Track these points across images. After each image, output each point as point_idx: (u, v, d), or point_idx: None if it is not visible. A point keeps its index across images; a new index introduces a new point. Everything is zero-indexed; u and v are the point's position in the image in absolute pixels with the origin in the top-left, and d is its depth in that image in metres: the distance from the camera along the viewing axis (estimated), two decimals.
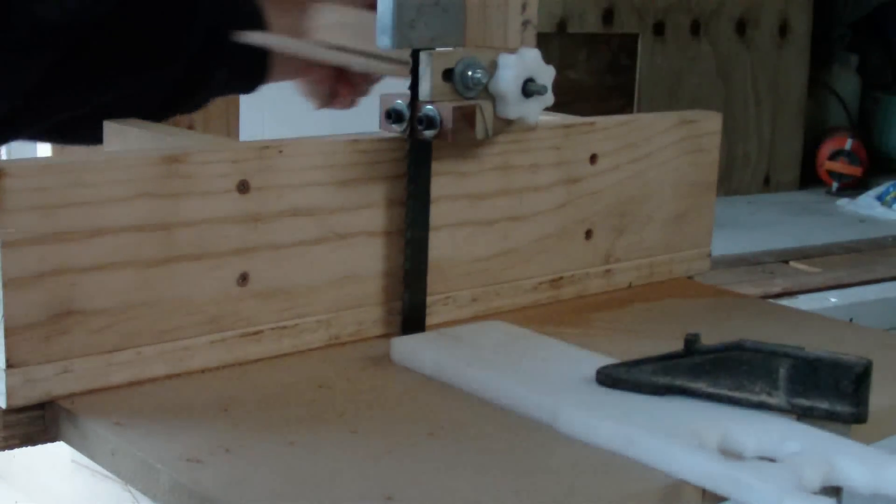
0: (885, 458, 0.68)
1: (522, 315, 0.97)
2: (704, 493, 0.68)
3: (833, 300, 1.93)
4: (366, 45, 0.97)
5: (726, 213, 2.50)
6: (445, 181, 0.93)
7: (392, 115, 0.89)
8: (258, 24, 0.99)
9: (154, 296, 0.79)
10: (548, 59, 0.91)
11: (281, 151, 0.83)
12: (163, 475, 0.67)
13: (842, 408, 0.72)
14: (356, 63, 0.99)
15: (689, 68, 2.80)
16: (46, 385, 0.75)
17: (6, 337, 0.73)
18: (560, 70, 0.94)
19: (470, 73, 0.88)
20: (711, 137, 1.12)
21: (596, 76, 2.71)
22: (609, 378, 0.78)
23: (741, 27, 2.86)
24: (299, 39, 1.00)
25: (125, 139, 0.92)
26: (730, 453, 0.71)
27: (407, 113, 0.88)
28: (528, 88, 0.90)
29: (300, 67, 1.05)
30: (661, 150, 1.08)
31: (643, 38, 2.73)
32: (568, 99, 2.38)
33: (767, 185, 2.96)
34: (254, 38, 0.98)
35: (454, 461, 0.69)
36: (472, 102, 0.89)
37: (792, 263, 2.16)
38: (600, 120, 1.04)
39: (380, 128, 0.90)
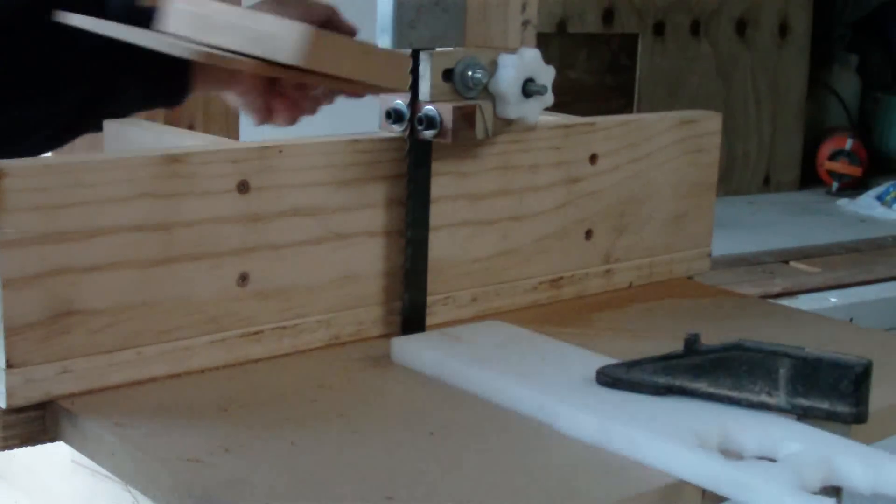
0: (885, 458, 0.68)
1: (522, 315, 0.97)
2: (704, 493, 0.68)
3: (833, 300, 1.93)
4: (216, 38, 0.93)
5: (726, 213, 2.50)
6: (445, 181, 0.93)
7: (392, 115, 0.89)
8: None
9: (154, 296, 0.79)
10: (548, 59, 0.91)
11: (281, 151, 0.83)
12: (163, 475, 0.67)
13: (842, 408, 0.72)
14: (202, 56, 0.93)
15: (689, 68, 2.80)
16: (46, 385, 0.75)
17: (6, 337, 0.73)
18: (560, 70, 0.94)
19: (470, 73, 0.88)
20: (711, 137, 1.12)
21: (596, 76, 2.71)
22: (609, 378, 0.78)
23: (741, 27, 2.85)
24: (141, 29, 0.95)
25: (125, 139, 0.92)
26: (730, 453, 0.71)
27: (407, 113, 0.88)
28: (528, 88, 0.90)
29: (224, 78, 1.03)
30: (661, 150, 1.08)
31: (643, 38, 2.73)
32: (568, 99, 2.38)
33: (767, 185, 2.95)
34: (77, 20, 0.92)
35: (454, 461, 0.69)
36: (472, 102, 0.89)
37: (792, 263, 2.16)
38: (600, 120, 1.04)
39: (380, 128, 0.90)
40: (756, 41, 2.88)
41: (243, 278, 0.83)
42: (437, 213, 0.92)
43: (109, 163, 0.76)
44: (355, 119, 1.09)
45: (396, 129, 0.89)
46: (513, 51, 0.90)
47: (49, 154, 1.12)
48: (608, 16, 2.68)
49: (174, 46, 0.89)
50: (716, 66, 2.84)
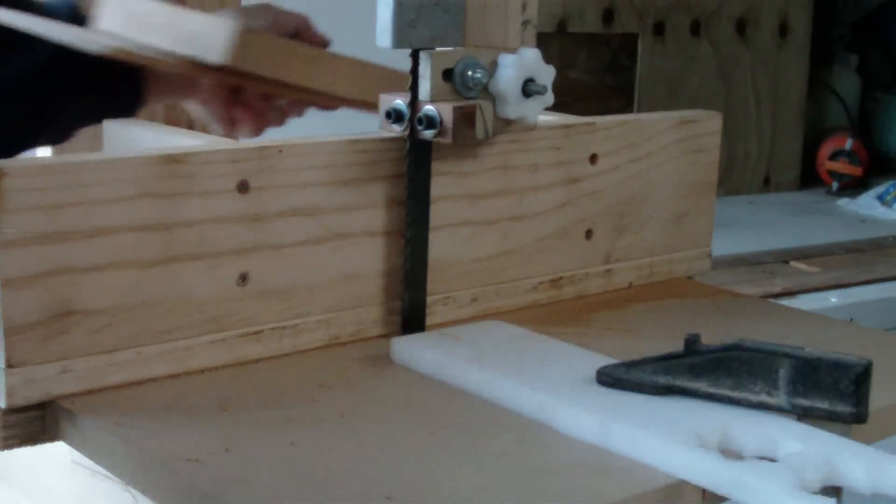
0: (885, 458, 0.68)
1: (522, 315, 0.97)
2: (704, 493, 0.68)
3: (833, 300, 1.93)
4: (149, 37, 0.90)
5: (726, 213, 2.50)
6: (445, 181, 0.93)
7: (392, 115, 0.89)
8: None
9: (154, 296, 0.79)
10: (548, 58, 0.91)
11: (281, 151, 0.83)
12: (163, 475, 0.67)
13: (842, 408, 0.72)
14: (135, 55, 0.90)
15: (689, 68, 2.80)
16: (46, 385, 0.75)
17: (6, 337, 0.73)
18: (560, 70, 0.94)
19: (470, 72, 0.88)
20: (711, 137, 1.12)
21: (596, 76, 2.71)
22: (609, 378, 0.78)
23: (741, 27, 2.85)
24: (65, 25, 0.92)
25: (125, 139, 0.92)
26: (730, 453, 0.71)
27: (407, 113, 0.88)
28: (528, 88, 0.90)
29: (181, 87, 1.01)
30: (662, 150, 1.08)
31: (643, 38, 2.73)
32: (568, 99, 2.38)
33: (767, 185, 2.95)
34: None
35: (454, 461, 0.69)
36: (472, 102, 0.89)
37: (792, 263, 2.16)
38: (600, 120, 1.04)
39: (380, 128, 0.90)
40: (756, 41, 2.88)
41: (243, 278, 0.83)
42: (437, 213, 0.92)
43: (109, 163, 0.76)
44: (355, 119, 1.09)
45: (396, 129, 0.89)
46: (513, 51, 0.90)
47: (48, 154, 1.12)
48: (608, 16, 2.68)
49: (87, 41, 0.86)
50: (716, 66, 2.84)
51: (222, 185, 0.81)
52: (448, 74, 0.88)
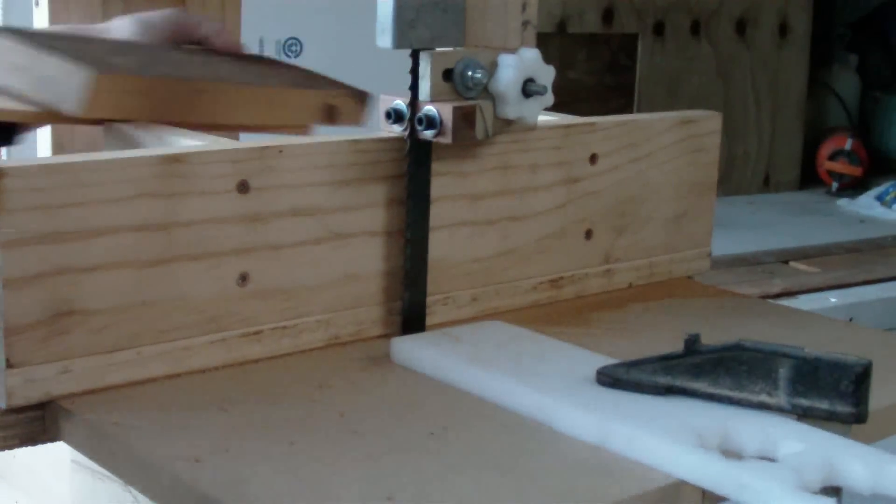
0: (885, 458, 0.68)
1: (522, 315, 0.97)
2: (704, 493, 0.68)
3: (833, 300, 1.93)
4: (9, 79, 0.87)
5: (726, 213, 2.50)
6: (445, 181, 0.93)
7: (392, 115, 0.89)
8: None
9: (154, 296, 0.79)
10: (547, 59, 0.91)
11: (281, 151, 0.83)
12: (163, 475, 0.67)
13: (842, 408, 0.72)
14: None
15: (689, 68, 2.80)
16: (46, 385, 0.75)
17: (6, 337, 0.73)
18: (560, 70, 0.94)
19: (470, 73, 0.88)
20: (711, 137, 1.12)
21: (596, 76, 2.72)
22: (609, 378, 0.78)
23: (741, 27, 2.86)
24: None
25: (125, 139, 0.92)
26: (730, 453, 0.71)
27: (407, 113, 0.88)
28: (528, 88, 0.90)
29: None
30: (661, 150, 1.08)
31: (643, 38, 2.73)
32: (568, 99, 2.38)
33: (767, 185, 2.96)
34: None
35: (454, 461, 0.69)
36: (471, 102, 0.89)
37: (792, 263, 2.16)
38: (600, 120, 1.04)
39: (380, 128, 0.90)
40: (756, 41, 2.88)
41: (243, 278, 0.83)
42: (436, 213, 0.92)
43: (109, 163, 0.76)
44: None
45: (396, 129, 0.89)
46: (513, 51, 0.90)
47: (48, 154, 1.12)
48: (608, 16, 2.68)
49: None
50: (715, 66, 2.84)
51: (222, 185, 0.81)
52: (448, 74, 0.88)
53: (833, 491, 0.67)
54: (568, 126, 1.01)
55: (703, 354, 0.76)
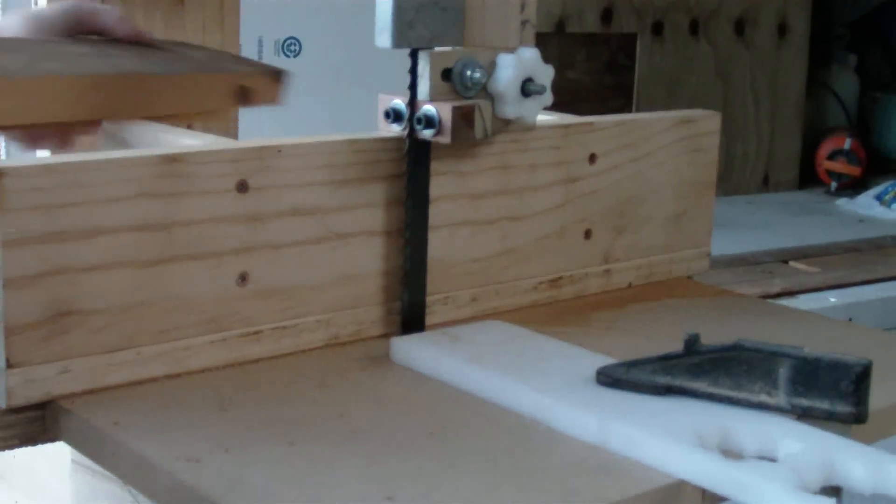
0: (885, 458, 0.68)
1: (522, 315, 0.97)
2: (704, 493, 0.68)
3: (833, 300, 1.93)
4: None
5: (726, 213, 2.50)
6: (444, 181, 0.93)
7: (391, 115, 0.89)
8: None
9: (154, 296, 0.79)
10: (547, 58, 0.91)
11: (280, 151, 0.83)
12: (162, 475, 0.67)
13: (842, 408, 0.72)
14: None
15: (689, 68, 2.80)
16: (46, 385, 0.75)
17: (6, 337, 0.73)
18: (559, 70, 0.94)
19: (469, 72, 0.88)
20: (710, 137, 1.12)
21: (595, 76, 2.72)
22: (609, 378, 0.78)
23: (740, 27, 2.86)
24: None
25: (125, 139, 0.92)
26: (730, 453, 0.71)
27: (406, 112, 0.88)
28: (527, 88, 0.90)
29: None
30: (660, 149, 1.08)
31: (642, 38, 2.73)
32: (567, 99, 2.38)
33: (767, 184, 2.96)
34: None
35: (454, 461, 0.69)
36: (470, 102, 0.89)
37: (791, 263, 2.16)
38: (599, 120, 1.04)
39: (379, 128, 0.90)
40: (755, 41, 2.88)
41: (243, 278, 0.83)
42: (436, 213, 0.92)
43: (109, 163, 0.76)
44: (355, 119, 1.09)
45: (395, 129, 0.89)
46: (512, 50, 0.90)
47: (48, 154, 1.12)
48: (607, 15, 2.68)
49: None
50: (715, 66, 2.84)
51: (222, 185, 0.81)
52: (447, 74, 0.88)
53: (833, 491, 0.67)
54: (567, 126, 1.01)
55: (703, 354, 0.76)
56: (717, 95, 2.82)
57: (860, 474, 0.67)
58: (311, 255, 0.86)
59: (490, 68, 0.89)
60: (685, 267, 1.13)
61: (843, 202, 2.82)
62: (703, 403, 0.75)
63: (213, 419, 0.74)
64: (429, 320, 0.92)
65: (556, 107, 0.98)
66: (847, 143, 2.93)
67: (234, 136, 1.38)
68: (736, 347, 0.75)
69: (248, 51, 2.17)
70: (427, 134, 0.88)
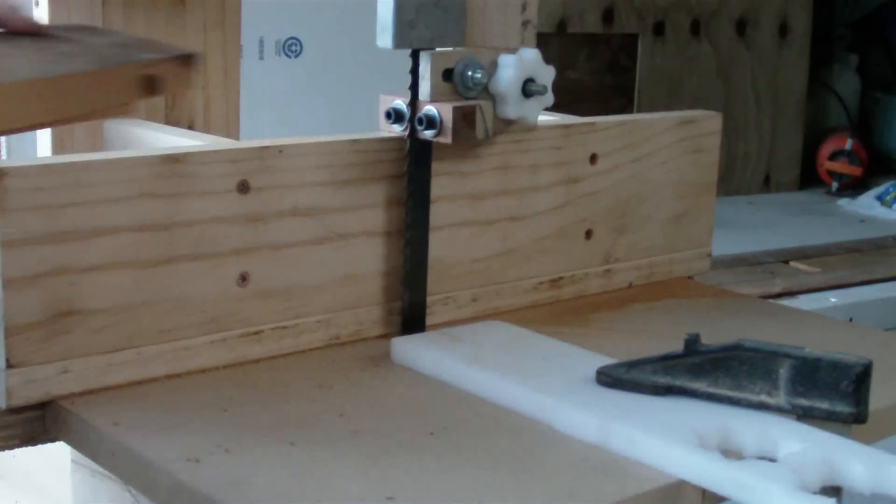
0: (885, 458, 0.68)
1: (522, 315, 0.97)
2: (704, 493, 0.68)
3: (833, 300, 1.93)
4: None
5: (726, 213, 2.50)
6: (445, 181, 0.93)
7: (392, 115, 0.89)
8: None
9: (154, 296, 0.79)
10: (548, 59, 0.91)
11: (281, 151, 0.83)
12: (162, 475, 0.67)
13: (842, 408, 0.72)
14: None
15: (689, 68, 2.80)
16: (46, 385, 0.75)
17: (6, 337, 0.73)
18: (560, 70, 0.94)
19: (470, 73, 0.88)
20: (711, 137, 1.12)
21: (596, 76, 2.72)
22: (609, 378, 0.78)
23: (741, 27, 2.86)
24: None
25: (125, 139, 0.92)
26: (730, 453, 0.71)
27: (407, 113, 0.88)
28: (528, 88, 0.90)
29: None
30: (661, 150, 1.08)
31: (643, 38, 2.73)
32: (568, 99, 2.38)
33: (767, 185, 2.96)
34: None
35: (454, 461, 0.69)
36: (472, 102, 0.89)
37: (792, 263, 2.16)
38: (600, 120, 1.04)
39: (380, 128, 0.90)
40: (756, 41, 2.88)
41: (243, 278, 0.83)
42: (437, 213, 0.92)
43: (109, 163, 0.76)
44: (355, 119, 1.09)
45: (396, 129, 0.89)
46: (513, 51, 0.90)
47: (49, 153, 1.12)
48: (608, 16, 2.68)
49: None
50: (716, 66, 2.84)
51: (222, 185, 0.81)
52: (448, 74, 0.88)
53: (833, 491, 0.67)
54: (568, 126, 1.01)
55: (703, 354, 0.76)
56: (718, 96, 2.82)
57: (860, 474, 0.67)
58: (312, 255, 0.86)
59: (491, 69, 0.89)
60: (686, 267, 1.13)
61: (843, 202, 2.82)
62: (704, 403, 0.75)
63: (213, 419, 0.74)
64: (429, 320, 0.92)
65: (557, 107, 0.98)
66: (848, 144, 2.93)
67: (236, 136, 1.38)
68: (736, 347, 0.75)
69: (250, 51, 2.18)
70: (428, 134, 0.88)
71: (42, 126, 0.86)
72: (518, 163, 0.97)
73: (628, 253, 1.07)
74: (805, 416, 0.73)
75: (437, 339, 0.87)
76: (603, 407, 0.74)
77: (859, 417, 0.72)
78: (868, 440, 0.72)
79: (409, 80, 0.88)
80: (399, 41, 0.85)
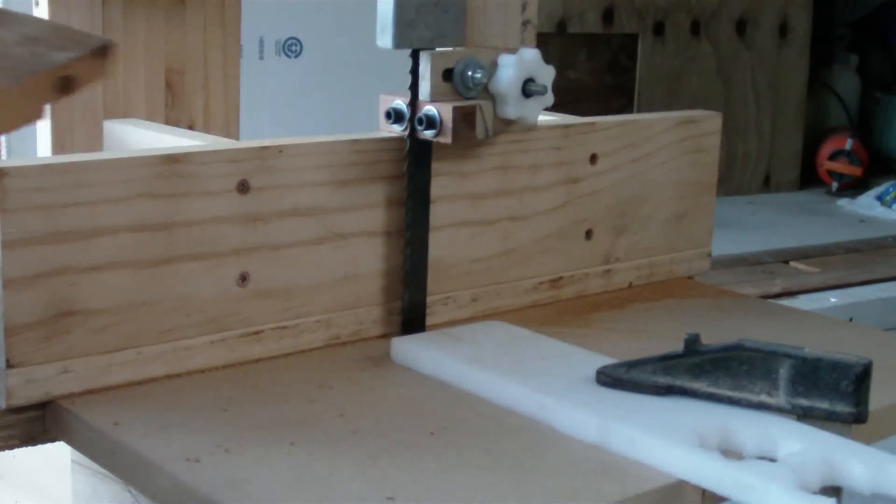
0: (885, 458, 0.68)
1: (522, 315, 0.97)
2: (704, 493, 0.68)
3: (833, 300, 1.93)
4: None
5: (726, 213, 2.51)
6: (445, 181, 0.93)
7: (392, 115, 0.89)
8: None
9: (154, 296, 0.79)
10: (548, 59, 0.91)
11: (281, 151, 0.83)
12: (162, 475, 0.67)
13: (842, 408, 0.72)
14: None
15: (689, 68, 2.80)
16: (46, 385, 0.75)
17: (6, 337, 0.73)
18: (560, 70, 0.94)
19: (470, 73, 0.88)
20: (711, 137, 1.12)
21: (596, 76, 2.72)
22: (609, 378, 0.78)
23: (741, 27, 2.86)
24: None
25: (125, 139, 0.92)
26: (730, 453, 0.71)
27: (407, 113, 0.88)
28: (528, 88, 0.90)
29: None
30: (661, 150, 1.08)
31: (643, 39, 2.73)
32: (568, 99, 2.38)
33: (767, 185, 2.96)
34: None
35: (454, 461, 0.69)
36: (472, 102, 0.89)
37: (792, 263, 2.16)
38: (600, 120, 1.04)
39: (380, 128, 0.90)
40: (756, 41, 2.88)
41: (243, 278, 0.83)
42: (437, 214, 0.92)
43: (109, 163, 0.76)
44: (355, 119, 1.09)
45: (396, 129, 0.89)
46: (513, 51, 0.90)
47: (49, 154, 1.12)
48: (608, 16, 2.68)
49: None
50: (716, 66, 2.84)
51: (222, 185, 0.81)
52: (448, 74, 0.88)
53: (833, 491, 0.67)
54: (568, 126, 1.01)
55: (703, 354, 0.76)
56: (718, 96, 2.82)
57: (860, 474, 0.67)
58: (312, 255, 0.86)
59: (491, 69, 0.89)
60: (686, 267, 1.13)
61: (843, 202, 2.83)
62: (704, 403, 0.75)
63: (213, 419, 0.74)
64: (429, 320, 0.92)
65: (557, 107, 0.98)
66: (848, 144, 2.93)
67: (236, 136, 1.38)
68: (736, 347, 0.75)
69: (249, 51, 2.18)
70: (428, 134, 0.88)
71: None
72: (518, 163, 0.97)
73: (628, 253, 1.07)
74: (805, 416, 0.73)
75: (437, 339, 0.87)
76: (603, 407, 0.74)
77: (859, 417, 0.72)
78: (868, 440, 0.72)
79: (409, 80, 0.88)
80: (399, 41, 0.85)
